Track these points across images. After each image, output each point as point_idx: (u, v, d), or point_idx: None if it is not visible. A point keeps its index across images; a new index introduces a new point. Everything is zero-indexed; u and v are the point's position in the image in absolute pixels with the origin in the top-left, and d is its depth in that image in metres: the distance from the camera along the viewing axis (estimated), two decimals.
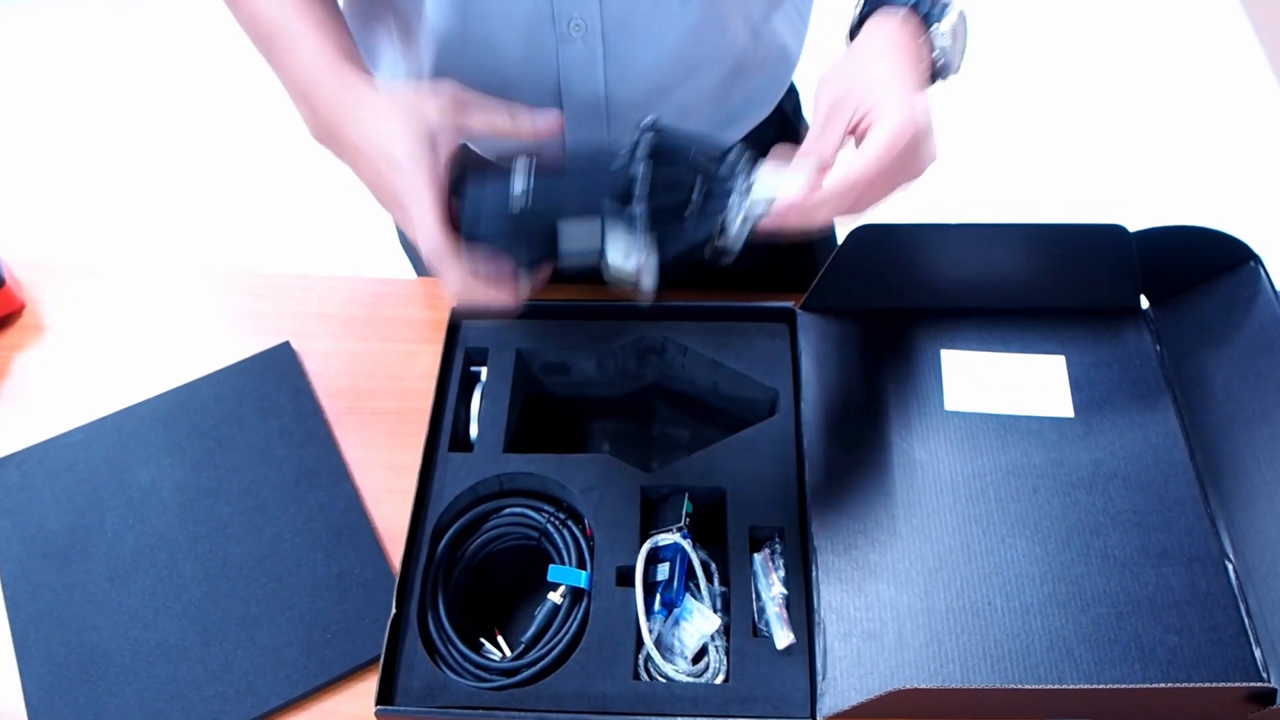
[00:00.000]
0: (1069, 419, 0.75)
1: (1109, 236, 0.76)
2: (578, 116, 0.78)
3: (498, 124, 0.65)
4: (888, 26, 0.68)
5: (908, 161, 0.62)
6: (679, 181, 0.60)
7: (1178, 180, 2.23)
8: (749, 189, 0.60)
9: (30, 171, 2.41)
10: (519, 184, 0.61)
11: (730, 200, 0.60)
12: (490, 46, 0.74)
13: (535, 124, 0.66)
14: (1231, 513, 0.69)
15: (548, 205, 0.61)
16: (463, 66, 0.75)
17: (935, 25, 0.68)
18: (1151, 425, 0.74)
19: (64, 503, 0.82)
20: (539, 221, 0.61)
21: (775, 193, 0.60)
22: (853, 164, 0.61)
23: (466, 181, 0.63)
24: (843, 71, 0.67)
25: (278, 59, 0.71)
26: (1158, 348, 0.78)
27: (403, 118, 0.63)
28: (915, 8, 0.68)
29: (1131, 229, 0.76)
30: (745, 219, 0.60)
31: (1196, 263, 0.77)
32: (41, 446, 0.85)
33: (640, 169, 0.59)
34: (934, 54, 0.68)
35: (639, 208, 0.59)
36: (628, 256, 0.60)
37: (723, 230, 0.60)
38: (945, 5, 0.69)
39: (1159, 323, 0.80)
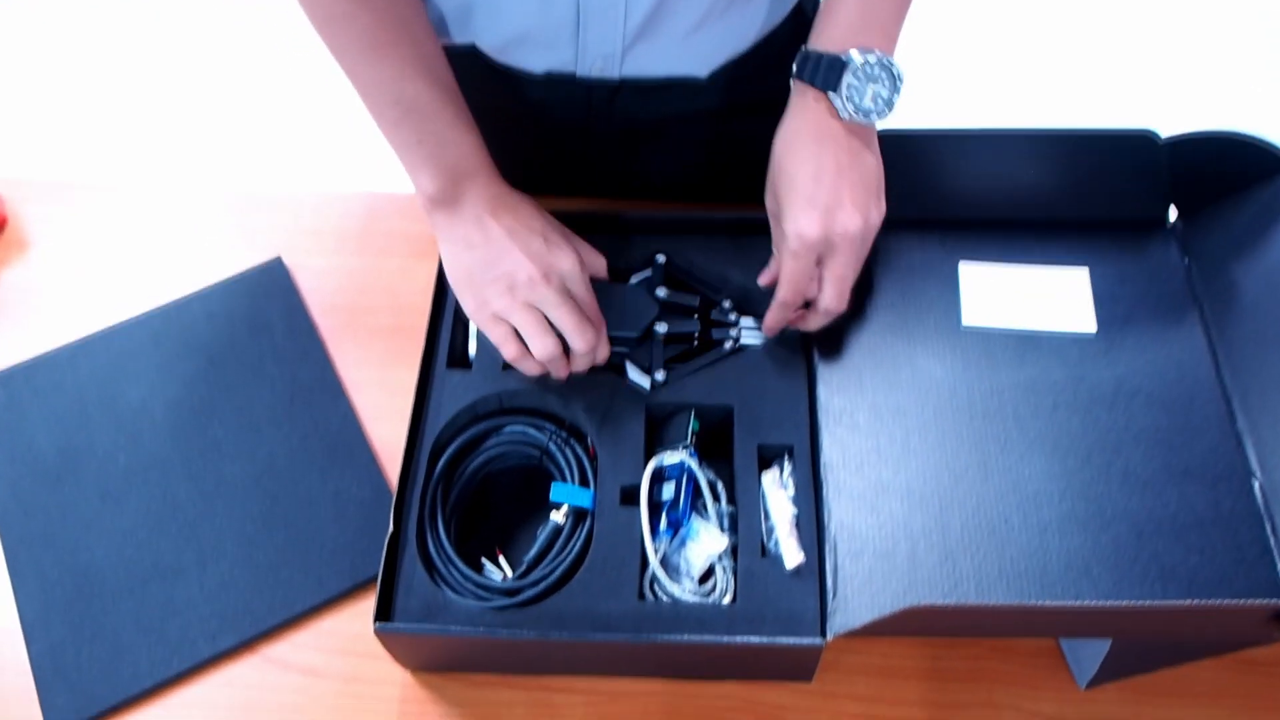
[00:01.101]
0: (1091, 335, 0.74)
1: (1138, 144, 0.74)
2: (594, 38, 0.76)
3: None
4: (798, 103, 0.70)
5: (828, 258, 0.68)
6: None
7: (1210, 84, 2.16)
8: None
9: (11, 84, 2.37)
10: None
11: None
12: None
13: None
14: (1259, 430, 0.68)
15: None
16: None
17: (832, 92, 0.67)
18: (1177, 341, 0.73)
19: (53, 422, 0.81)
20: None
21: None
22: (777, 292, 0.71)
23: None
24: (770, 181, 0.71)
25: (424, 125, 0.72)
26: (1185, 261, 0.76)
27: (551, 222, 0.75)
28: (809, 80, 0.68)
29: (1162, 135, 0.74)
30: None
31: (1228, 172, 0.75)
32: (28, 365, 0.84)
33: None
34: (846, 113, 0.67)
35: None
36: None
37: None
38: (839, 65, 0.66)
39: (1187, 235, 0.78)
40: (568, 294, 0.70)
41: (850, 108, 0.67)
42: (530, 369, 0.72)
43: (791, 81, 0.70)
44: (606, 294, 0.74)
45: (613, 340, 0.73)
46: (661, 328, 0.75)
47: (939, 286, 0.77)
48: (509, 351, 0.70)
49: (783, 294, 0.70)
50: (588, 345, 0.69)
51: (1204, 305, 0.74)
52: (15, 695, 0.70)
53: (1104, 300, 0.75)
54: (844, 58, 0.66)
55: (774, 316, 0.72)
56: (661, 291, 0.77)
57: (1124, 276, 0.76)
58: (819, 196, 0.66)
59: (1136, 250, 0.78)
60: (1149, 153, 0.74)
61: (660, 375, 0.74)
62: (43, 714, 0.69)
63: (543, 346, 0.69)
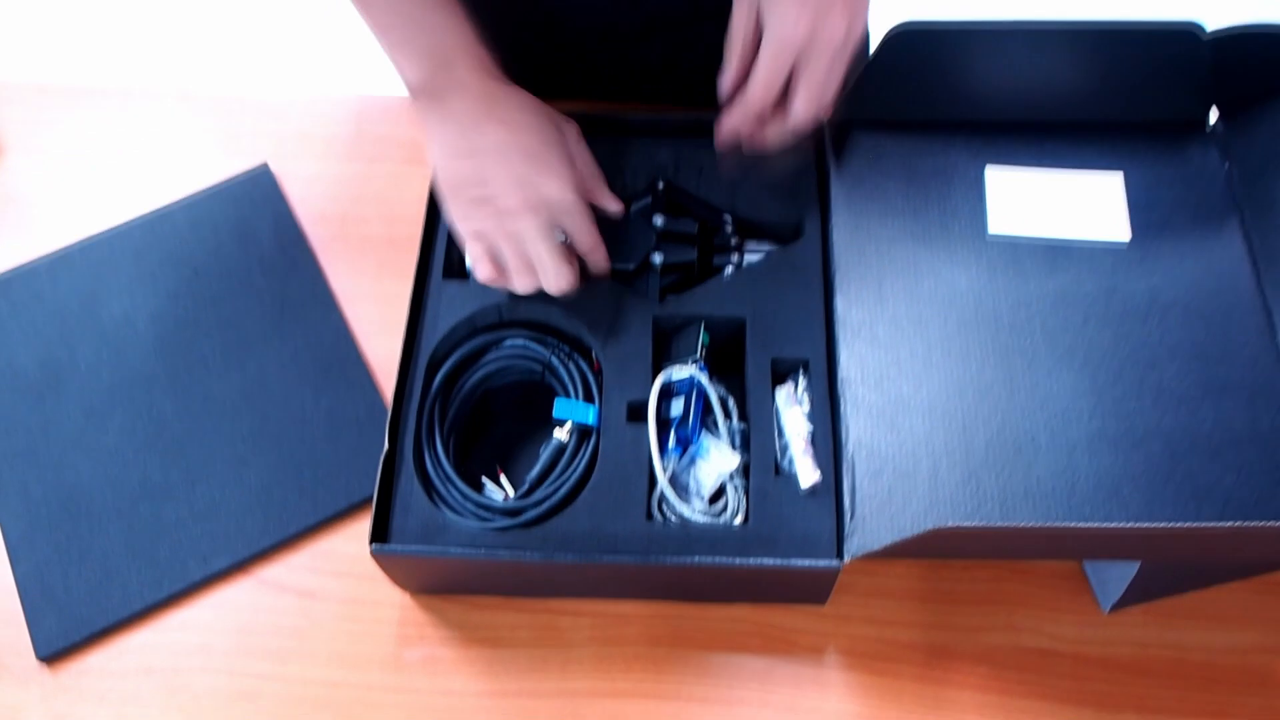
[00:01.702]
0: (1125, 244, 0.70)
1: (1179, 39, 0.70)
2: None
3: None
4: None
5: (805, 64, 0.64)
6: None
7: None
8: None
9: None
10: None
11: None
12: None
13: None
14: None
15: None
16: None
17: None
18: (1216, 250, 0.69)
19: (33, 336, 0.79)
20: None
21: None
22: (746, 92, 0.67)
23: None
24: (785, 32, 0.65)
25: (399, 3, 0.68)
26: (1226, 165, 0.73)
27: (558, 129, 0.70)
28: None
29: (1206, 29, 0.70)
30: None
31: (1277, 70, 0.71)
32: (5, 277, 0.81)
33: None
34: None
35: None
36: None
37: None
38: None
39: (1229, 138, 0.74)
40: (551, 229, 0.66)
41: None
42: (507, 287, 0.69)
43: None
44: (600, 225, 0.71)
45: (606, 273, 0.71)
46: (658, 258, 0.72)
47: (964, 193, 0.73)
48: (481, 272, 0.67)
49: (753, 93, 0.66)
50: (560, 287, 0.67)
51: (1245, 212, 0.71)
52: (3, 618, 0.68)
53: (1139, 207, 0.72)
54: None
55: (734, 119, 0.69)
56: (659, 219, 0.74)
57: (1160, 182, 0.73)
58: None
59: (1174, 154, 0.74)
60: (1191, 49, 0.70)
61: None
62: (31, 637, 0.67)
63: (520, 282, 0.67)
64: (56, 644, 0.67)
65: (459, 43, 0.68)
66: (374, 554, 0.62)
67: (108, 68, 2.12)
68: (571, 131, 0.71)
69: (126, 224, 0.83)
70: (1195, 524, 0.59)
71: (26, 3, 2.24)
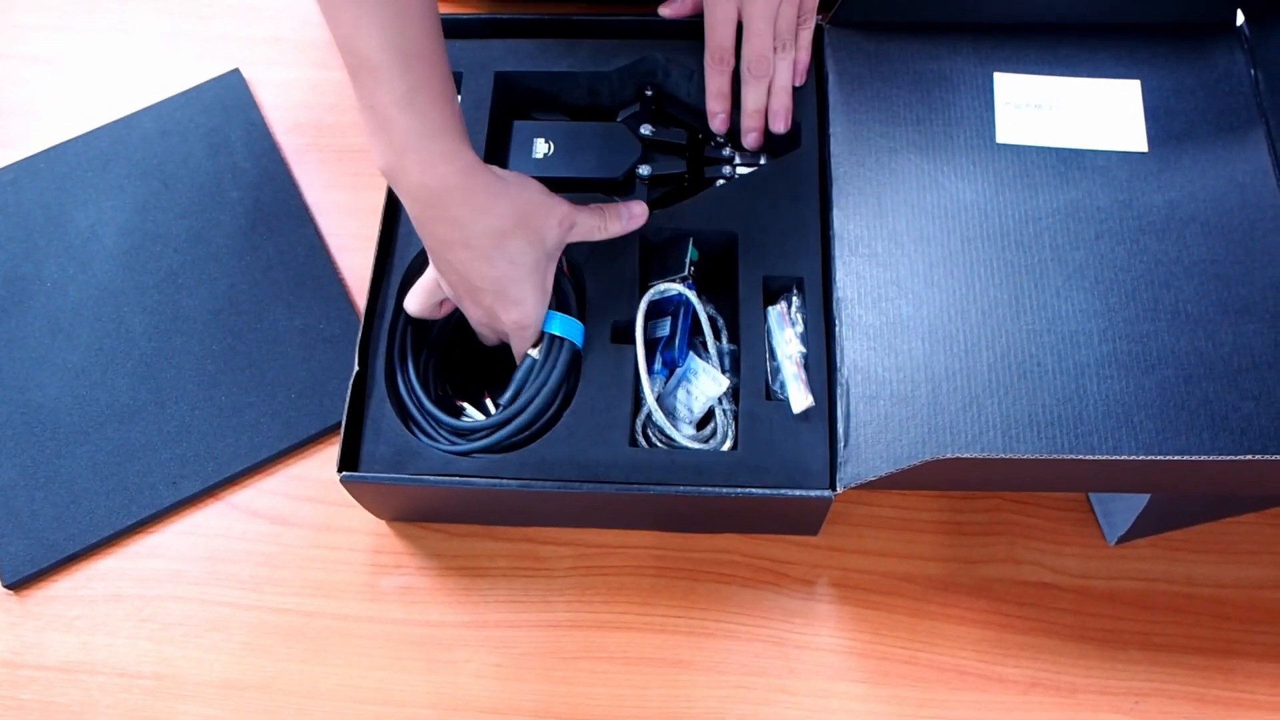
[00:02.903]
0: (1141, 154, 0.63)
1: None
2: None
3: (595, 231, 0.60)
4: None
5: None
6: None
7: None
8: None
9: None
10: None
11: None
12: None
13: (626, 220, 0.61)
14: None
15: None
16: None
17: None
18: (1239, 162, 0.62)
19: None
20: None
21: None
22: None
23: None
24: None
25: (367, 87, 0.51)
26: (1252, 71, 0.65)
27: (529, 250, 0.56)
28: None
29: None
30: None
31: None
32: None
33: None
34: None
35: None
36: None
37: None
38: None
39: (1255, 42, 0.66)
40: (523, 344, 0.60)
41: None
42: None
43: None
44: (584, 135, 0.65)
45: (592, 183, 0.64)
46: (645, 170, 0.65)
47: (971, 99, 0.65)
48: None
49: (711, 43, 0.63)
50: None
51: (1271, 121, 0.63)
52: None
53: (1157, 115, 0.64)
54: None
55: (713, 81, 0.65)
56: (647, 129, 0.67)
57: (1180, 88, 0.65)
58: None
59: (1196, 58, 0.66)
60: None
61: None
62: None
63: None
64: (23, 570, 0.62)
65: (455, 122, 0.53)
66: (343, 482, 0.56)
67: None
68: (557, 230, 0.57)
69: (92, 132, 0.76)
70: (1210, 456, 0.53)
71: None
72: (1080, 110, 0.65)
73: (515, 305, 0.57)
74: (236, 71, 0.78)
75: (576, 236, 0.59)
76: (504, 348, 0.62)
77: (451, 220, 0.53)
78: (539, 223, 0.56)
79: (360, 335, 0.59)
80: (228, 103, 0.76)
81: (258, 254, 0.71)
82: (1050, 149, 0.63)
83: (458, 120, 0.52)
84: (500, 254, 0.54)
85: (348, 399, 0.57)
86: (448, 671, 0.59)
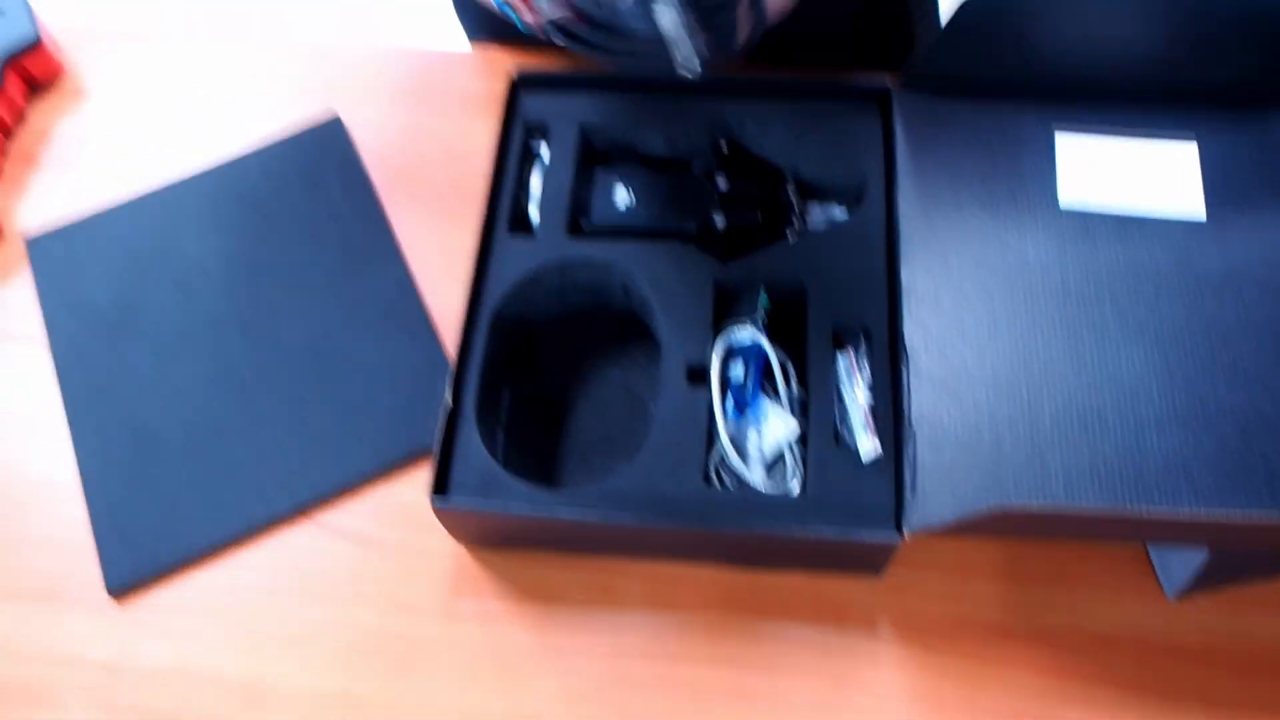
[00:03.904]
0: (1200, 215, 0.63)
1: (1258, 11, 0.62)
2: None
3: None
4: None
5: None
6: None
7: None
8: None
9: None
10: None
11: None
12: None
13: None
14: None
15: None
16: None
17: None
18: None
19: (111, 277, 0.74)
20: None
21: None
22: None
23: None
24: None
25: None
26: None
27: None
28: None
29: None
30: None
31: None
32: (88, 220, 0.77)
33: None
34: None
35: None
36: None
37: None
38: None
39: None
40: None
41: None
42: None
43: None
44: (662, 185, 0.66)
45: (669, 233, 0.65)
46: (720, 220, 0.65)
47: (1034, 160, 0.65)
48: None
49: None
50: None
51: None
52: (75, 550, 0.65)
53: (1215, 177, 0.64)
54: None
55: None
56: (721, 180, 0.67)
57: (1238, 151, 0.65)
58: None
59: (1254, 123, 0.66)
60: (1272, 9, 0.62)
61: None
62: (102, 571, 0.64)
63: None
64: (125, 578, 0.64)
65: None
66: (434, 507, 0.57)
67: (188, 15, 2.06)
68: None
69: (203, 171, 0.78)
70: (1270, 511, 0.53)
71: None
72: (1140, 171, 0.65)
73: None
74: (336, 115, 0.80)
75: None
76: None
77: None
78: None
79: (453, 370, 0.61)
80: (326, 144, 0.78)
81: (350, 287, 0.72)
82: (1110, 208, 0.63)
83: None
84: None
85: (440, 428, 0.59)
86: (521, 693, 0.59)
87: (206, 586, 0.64)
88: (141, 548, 0.64)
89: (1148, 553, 0.61)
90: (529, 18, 0.58)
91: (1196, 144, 0.65)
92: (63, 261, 0.75)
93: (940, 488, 0.55)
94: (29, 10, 0.83)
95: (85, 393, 0.70)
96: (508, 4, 0.58)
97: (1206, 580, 0.58)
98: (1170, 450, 0.55)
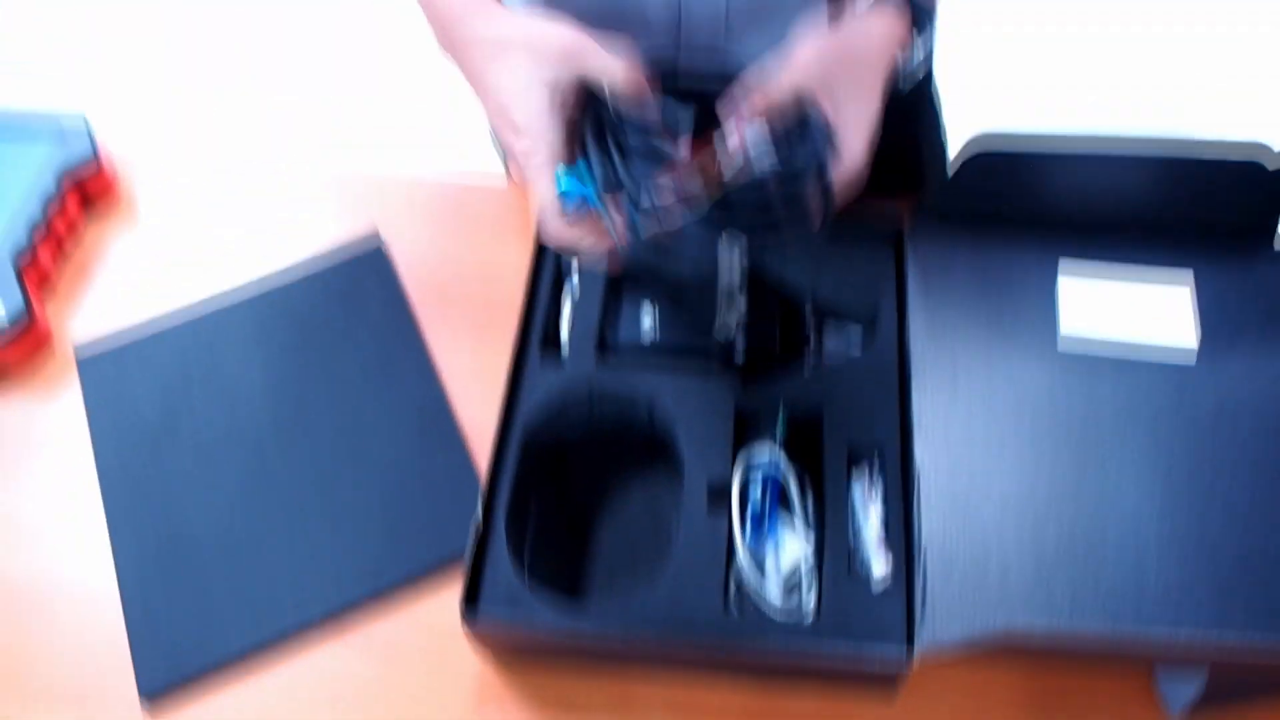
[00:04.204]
0: (1194, 351, 0.67)
1: (1248, 166, 0.67)
2: (695, 23, 0.71)
3: (612, 74, 0.59)
4: (893, 24, 0.65)
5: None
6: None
7: None
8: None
9: (130, 61, 2.37)
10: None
11: None
12: None
13: (637, 82, 0.60)
14: None
15: None
16: None
17: (918, 38, 0.68)
18: None
19: (157, 390, 0.79)
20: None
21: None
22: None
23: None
24: (840, 50, 0.62)
25: None
26: None
27: (530, 65, 0.59)
28: (915, 12, 0.66)
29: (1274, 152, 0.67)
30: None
31: None
32: (136, 333, 0.82)
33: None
34: (904, 64, 0.68)
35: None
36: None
37: None
38: (932, 15, 0.67)
39: None
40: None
41: (914, 55, 0.67)
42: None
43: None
44: (684, 304, 0.70)
45: (691, 351, 0.70)
46: (741, 341, 0.70)
47: (1037, 295, 0.70)
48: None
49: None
50: (552, 242, 0.61)
51: None
52: (110, 655, 0.68)
53: (1210, 316, 0.69)
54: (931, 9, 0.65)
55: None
56: (743, 303, 0.72)
57: (1230, 290, 0.70)
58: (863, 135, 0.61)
59: (1244, 262, 0.71)
60: (1260, 170, 0.67)
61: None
62: (135, 676, 0.67)
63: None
64: (159, 683, 0.67)
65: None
66: (464, 620, 0.60)
67: (243, 138, 2.18)
68: (569, 38, 0.60)
69: (249, 287, 0.83)
70: (1263, 640, 0.56)
71: (162, 77, 2.31)
72: (1138, 308, 0.69)
73: (517, 132, 0.59)
74: (378, 236, 0.85)
75: (588, 71, 0.59)
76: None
77: (470, 30, 0.61)
78: (544, 42, 0.59)
79: (485, 487, 0.65)
80: (367, 266, 0.84)
81: (386, 402, 0.77)
82: (1110, 343, 0.68)
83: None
84: (501, 63, 0.59)
85: (470, 543, 0.62)
86: None
87: (237, 691, 0.66)
88: (175, 653, 0.67)
89: (1153, 671, 0.64)
90: (608, 241, 0.62)
91: (1191, 283, 0.70)
92: (111, 376, 0.80)
93: (950, 608, 0.59)
94: (90, 133, 0.90)
95: (126, 501, 0.74)
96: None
97: (1208, 701, 0.60)
98: (1169, 576, 0.59)
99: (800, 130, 0.61)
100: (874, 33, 0.64)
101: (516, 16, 0.62)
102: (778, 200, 0.60)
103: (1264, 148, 0.67)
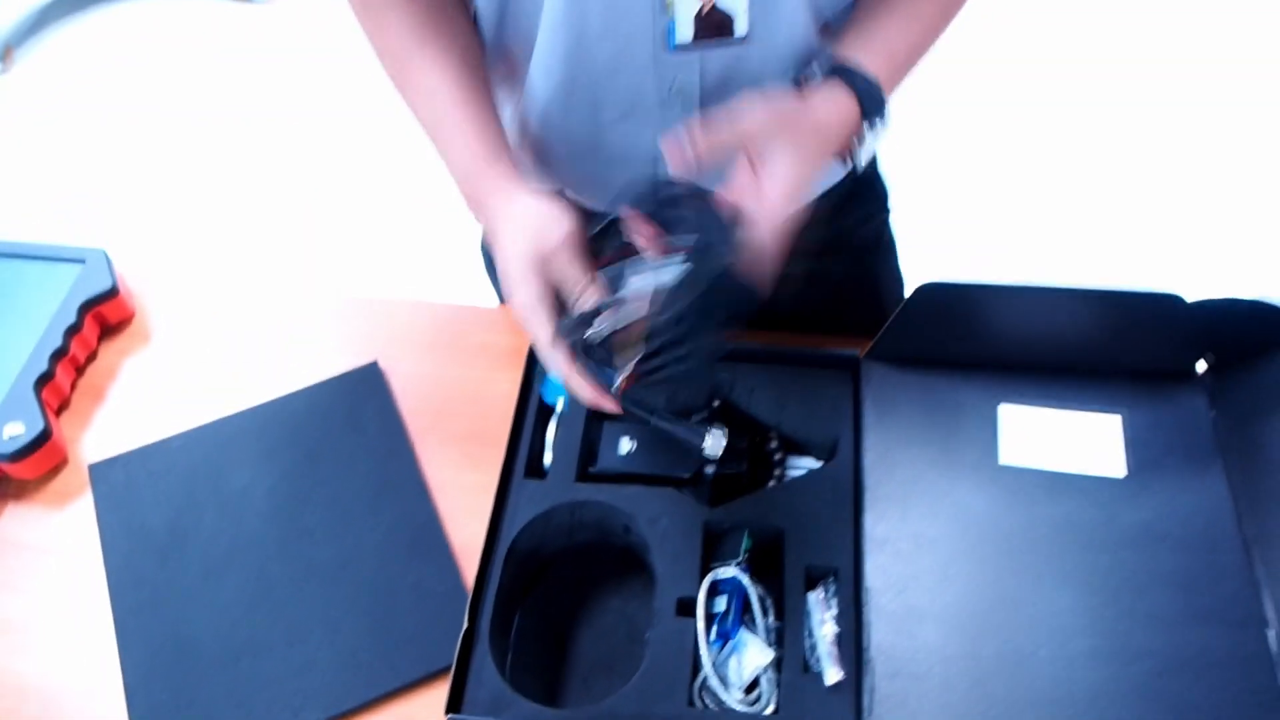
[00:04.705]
0: (1122, 478, 0.76)
1: (1165, 305, 0.77)
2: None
3: (581, 282, 0.70)
4: (842, 107, 0.72)
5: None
6: None
7: (1248, 247, 2.22)
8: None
9: (145, 193, 2.51)
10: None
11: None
12: (593, 107, 0.77)
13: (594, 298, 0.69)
14: (1276, 580, 0.69)
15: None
16: (561, 120, 0.79)
17: (868, 130, 0.74)
18: (1203, 489, 0.75)
19: (164, 502, 0.86)
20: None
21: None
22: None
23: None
24: (786, 112, 0.69)
25: (442, 146, 0.79)
26: (1213, 413, 0.79)
27: (525, 243, 0.70)
28: (862, 102, 0.73)
29: (1197, 295, 0.76)
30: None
31: (1256, 333, 0.77)
32: (146, 449, 0.90)
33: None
34: (853, 151, 0.75)
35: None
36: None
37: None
38: (884, 114, 0.74)
39: (1216, 388, 0.80)
40: (558, 350, 0.69)
41: (863, 146, 0.74)
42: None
43: (837, 77, 0.73)
44: (660, 436, 0.78)
45: (666, 479, 0.77)
46: (710, 469, 0.78)
47: (980, 425, 0.79)
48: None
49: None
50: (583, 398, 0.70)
51: (1228, 457, 0.76)
52: None
53: (1135, 445, 0.78)
54: (885, 105, 0.73)
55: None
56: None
57: (1155, 424, 0.79)
58: (784, 191, 0.68)
59: (1167, 399, 0.80)
60: (1177, 312, 0.77)
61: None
62: None
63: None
64: None
65: (482, 160, 0.76)
66: None
67: (249, 267, 2.32)
68: (553, 238, 0.70)
69: (253, 408, 0.92)
70: None
71: (177, 216, 2.46)
72: (1070, 438, 0.78)
73: (510, 292, 0.70)
74: (375, 363, 0.94)
75: (563, 267, 0.69)
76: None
77: (505, 252, 0.72)
78: (540, 233, 0.70)
79: (471, 597, 0.72)
80: (365, 389, 0.92)
81: (381, 518, 0.84)
82: (1045, 470, 0.76)
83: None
84: (515, 252, 0.70)
85: (457, 649, 0.69)
86: None
87: None
88: None
89: None
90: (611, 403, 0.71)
91: (1121, 415, 0.79)
92: (121, 487, 0.88)
93: (894, 713, 0.66)
94: (108, 264, 0.99)
95: (134, 606, 0.80)
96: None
97: None
98: (1095, 684, 0.67)
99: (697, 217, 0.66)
100: (823, 108, 0.71)
101: (523, 205, 0.73)
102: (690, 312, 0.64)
103: (1175, 295, 0.77)
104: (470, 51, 0.79)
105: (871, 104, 0.73)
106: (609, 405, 0.70)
